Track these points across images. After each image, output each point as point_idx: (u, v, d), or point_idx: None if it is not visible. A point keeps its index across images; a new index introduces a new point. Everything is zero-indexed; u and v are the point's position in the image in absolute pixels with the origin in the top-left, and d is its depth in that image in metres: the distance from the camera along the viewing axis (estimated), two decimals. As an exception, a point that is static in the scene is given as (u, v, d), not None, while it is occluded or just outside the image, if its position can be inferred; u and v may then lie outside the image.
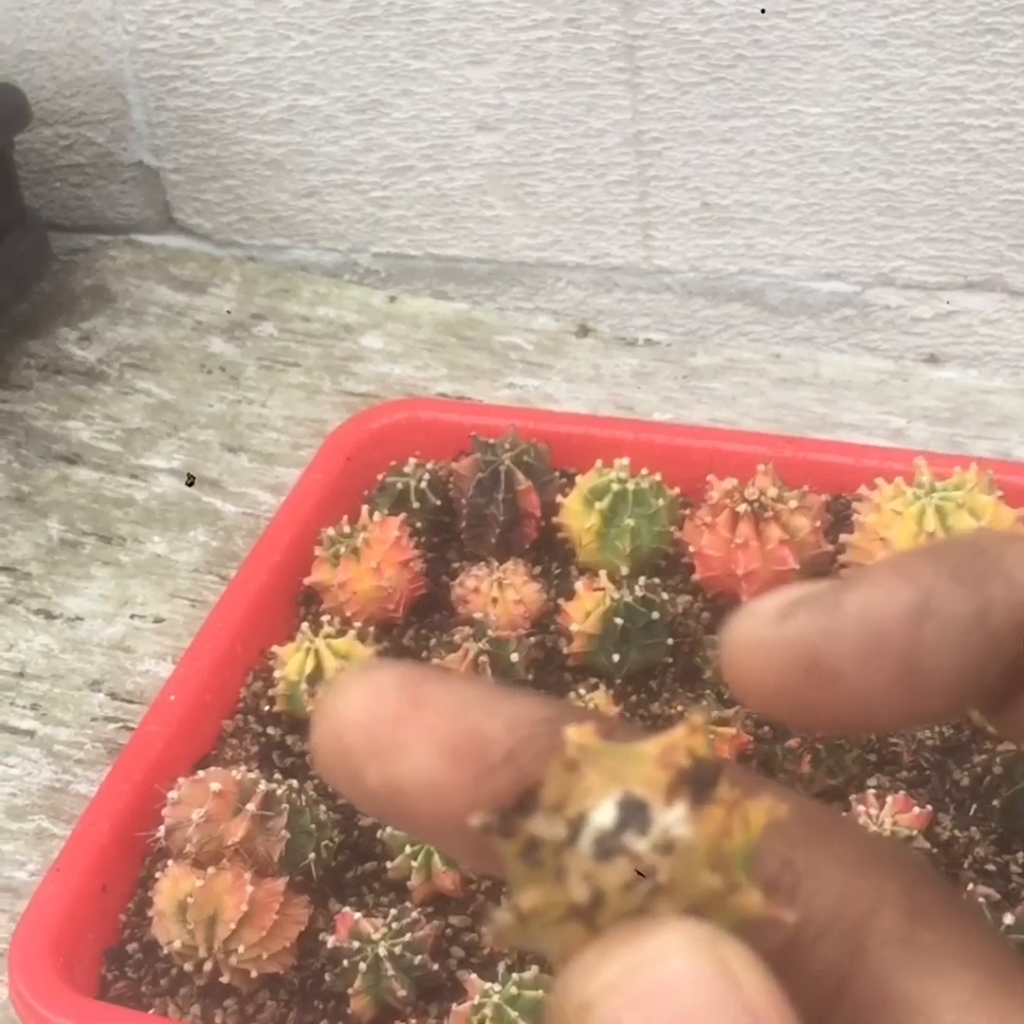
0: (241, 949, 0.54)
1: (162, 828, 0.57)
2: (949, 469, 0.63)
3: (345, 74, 0.86)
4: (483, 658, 0.61)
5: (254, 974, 0.55)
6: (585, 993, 0.17)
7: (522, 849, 0.18)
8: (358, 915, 0.55)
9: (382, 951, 0.53)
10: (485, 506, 0.69)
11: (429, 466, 0.72)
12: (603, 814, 0.18)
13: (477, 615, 0.65)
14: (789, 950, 0.18)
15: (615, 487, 0.66)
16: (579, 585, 0.65)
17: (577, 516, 0.67)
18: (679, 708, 0.61)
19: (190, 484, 0.79)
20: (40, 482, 0.81)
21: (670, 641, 0.64)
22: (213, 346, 0.89)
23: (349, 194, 0.90)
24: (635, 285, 0.87)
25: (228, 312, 0.90)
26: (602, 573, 0.65)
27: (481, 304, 0.90)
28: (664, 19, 0.78)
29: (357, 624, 0.65)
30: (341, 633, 0.64)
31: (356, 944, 0.54)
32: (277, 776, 0.59)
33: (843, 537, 0.65)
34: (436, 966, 0.55)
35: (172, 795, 0.57)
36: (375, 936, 0.54)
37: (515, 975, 0.52)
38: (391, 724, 0.20)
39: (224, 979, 0.55)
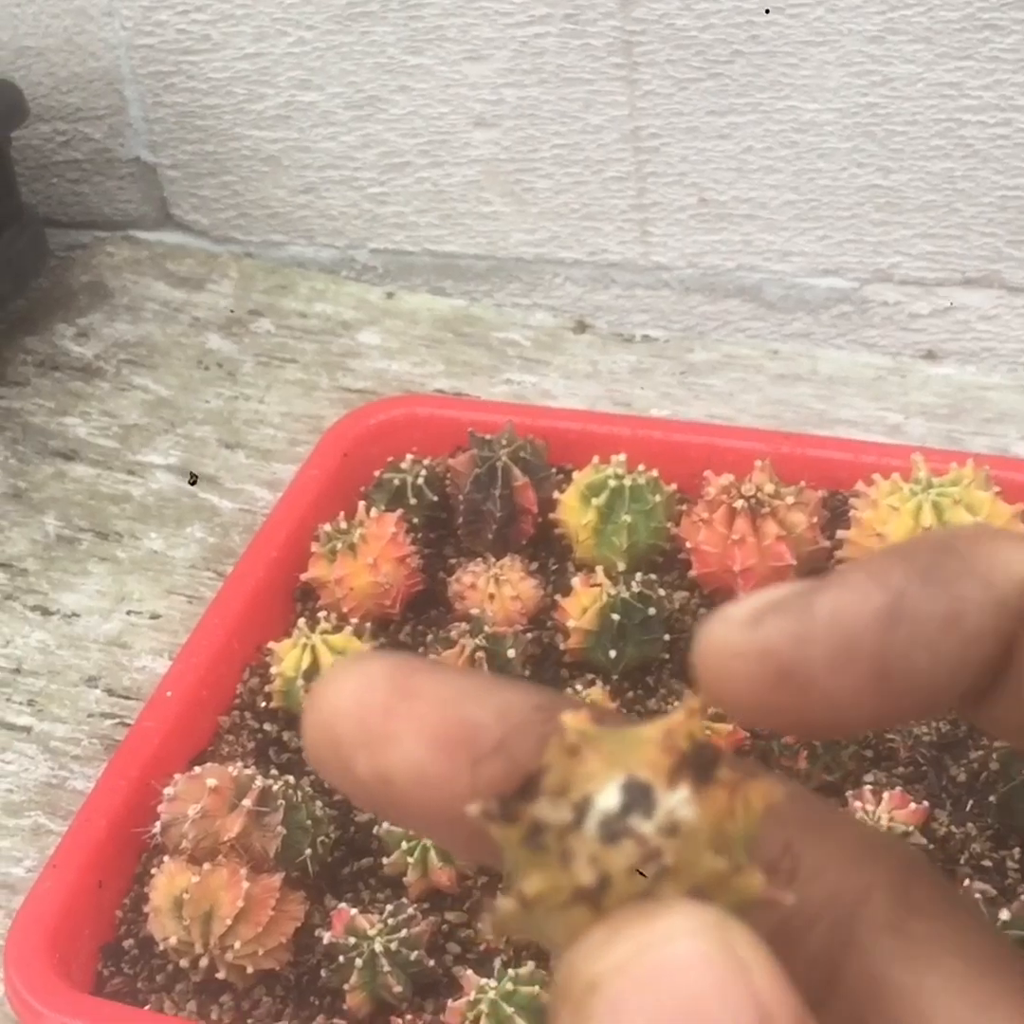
0: (237, 945, 0.54)
1: (158, 824, 0.57)
2: (946, 465, 0.63)
3: (342, 70, 0.85)
4: (480, 654, 0.61)
5: (250, 970, 0.55)
6: (592, 973, 0.17)
7: (525, 834, 0.18)
8: (354, 911, 0.55)
9: (378, 947, 0.53)
10: (482, 502, 0.69)
11: (426, 462, 0.72)
12: (607, 797, 0.18)
13: (474, 611, 0.65)
14: (780, 938, 0.18)
15: (612, 483, 0.66)
16: (576, 581, 0.65)
17: (574, 512, 0.67)
18: (674, 704, 0.61)
19: (193, 483, 0.79)
20: (37, 478, 0.81)
21: (667, 637, 0.64)
22: (210, 342, 0.89)
23: (346, 190, 0.89)
24: (633, 281, 0.87)
25: (231, 311, 0.90)
26: (599, 569, 0.65)
27: (479, 300, 0.90)
28: (662, 15, 0.78)
29: (354, 620, 0.65)
30: (338, 629, 0.64)
31: (352, 940, 0.54)
32: (273, 772, 0.59)
33: (840, 533, 0.65)
34: (432, 962, 0.55)
35: (168, 791, 0.57)
36: (371, 932, 0.54)
37: (511, 971, 0.52)
38: (381, 714, 0.20)
39: (220, 975, 0.55)
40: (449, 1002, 0.52)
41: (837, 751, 0.58)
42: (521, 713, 0.20)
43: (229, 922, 0.54)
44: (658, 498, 0.67)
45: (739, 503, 0.64)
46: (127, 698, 0.69)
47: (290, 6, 0.84)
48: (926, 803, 0.57)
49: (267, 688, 0.64)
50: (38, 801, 0.65)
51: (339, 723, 0.20)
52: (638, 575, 0.64)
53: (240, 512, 0.78)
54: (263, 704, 0.64)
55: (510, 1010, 0.50)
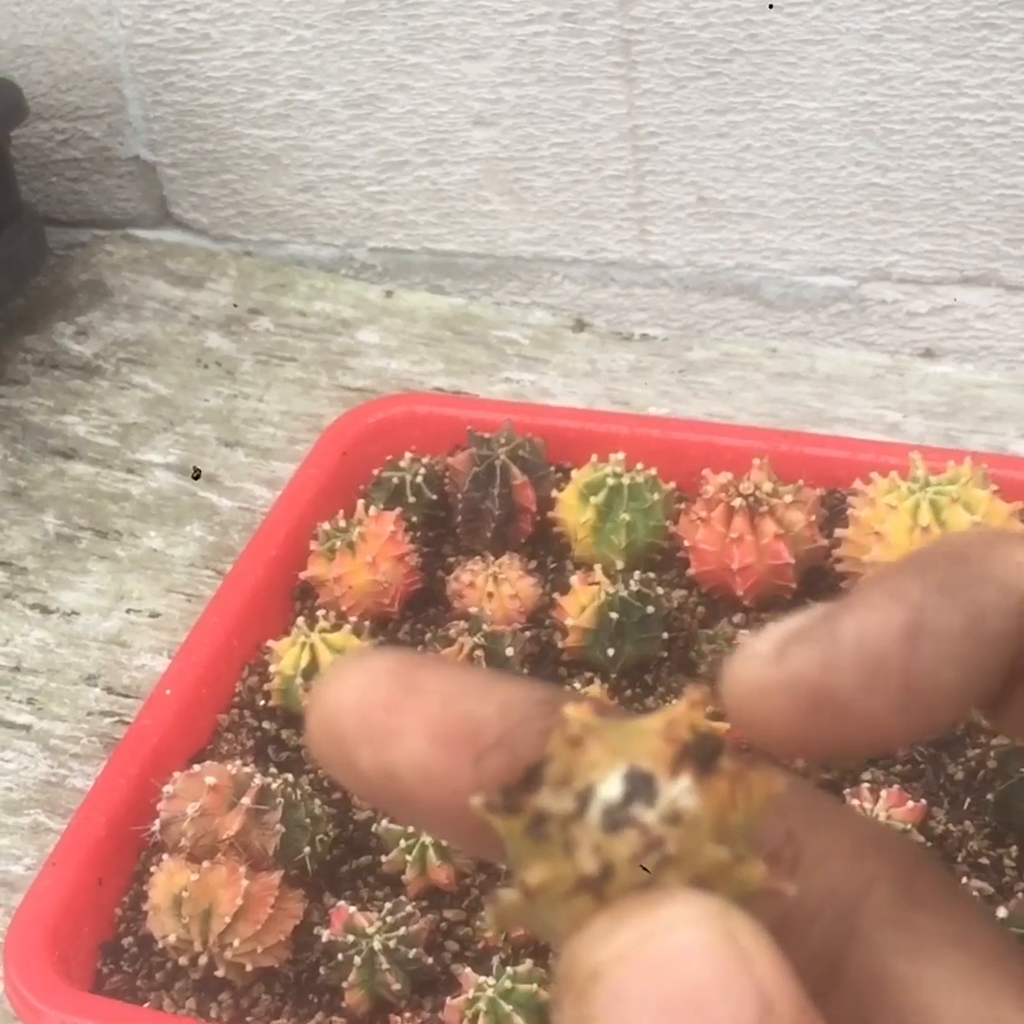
0: (236, 943, 0.54)
1: (157, 822, 0.57)
2: (944, 463, 0.63)
3: (341, 69, 0.85)
4: (478, 652, 0.61)
5: (249, 968, 0.55)
6: (595, 962, 0.17)
7: (528, 825, 0.18)
8: (353, 909, 0.55)
9: (377, 945, 0.53)
10: (481, 501, 0.69)
11: (425, 461, 0.72)
12: (610, 787, 0.18)
13: (472, 609, 0.65)
14: (782, 930, 0.18)
15: (610, 482, 0.66)
16: (574, 580, 0.65)
17: (572, 510, 0.67)
18: (673, 702, 0.61)
19: (196, 477, 0.79)
20: (36, 477, 0.81)
21: (665, 635, 0.64)
22: (209, 341, 0.89)
23: (345, 189, 0.90)
24: (631, 280, 0.87)
25: (234, 306, 0.90)
26: (597, 567, 0.65)
27: (477, 299, 0.90)
28: (660, 14, 0.78)
29: (352, 618, 0.65)
30: (336, 627, 0.64)
31: (351, 938, 0.54)
32: (272, 770, 0.59)
33: (838, 531, 0.65)
34: (430, 960, 0.55)
35: (167, 789, 0.57)
36: (370, 930, 0.54)
37: (509, 968, 0.52)
38: (385, 710, 0.20)
39: (219, 973, 0.55)
40: (447, 1000, 0.53)
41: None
42: (523, 708, 0.20)
43: (228, 920, 0.54)
44: (656, 496, 0.67)
45: (737, 501, 0.64)
46: (126, 696, 0.69)
47: (289, 5, 0.84)
48: (924, 801, 0.57)
49: (266, 686, 0.64)
50: (37, 799, 0.65)
51: (343, 719, 0.21)
52: (636, 573, 0.64)
53: (239, 510, 0.78)
54: (262, 702, 0.65)
55: (508, 1008, 0.50)
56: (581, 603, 0.64)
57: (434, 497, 0.71)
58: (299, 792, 0.57)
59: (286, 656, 0.63)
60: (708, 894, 0.18)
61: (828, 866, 0.20)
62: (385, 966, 0.53)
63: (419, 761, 0.20)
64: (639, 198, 0.84)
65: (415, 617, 0.68)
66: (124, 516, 0.78)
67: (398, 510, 0.69)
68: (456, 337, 0.87)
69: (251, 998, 0.55)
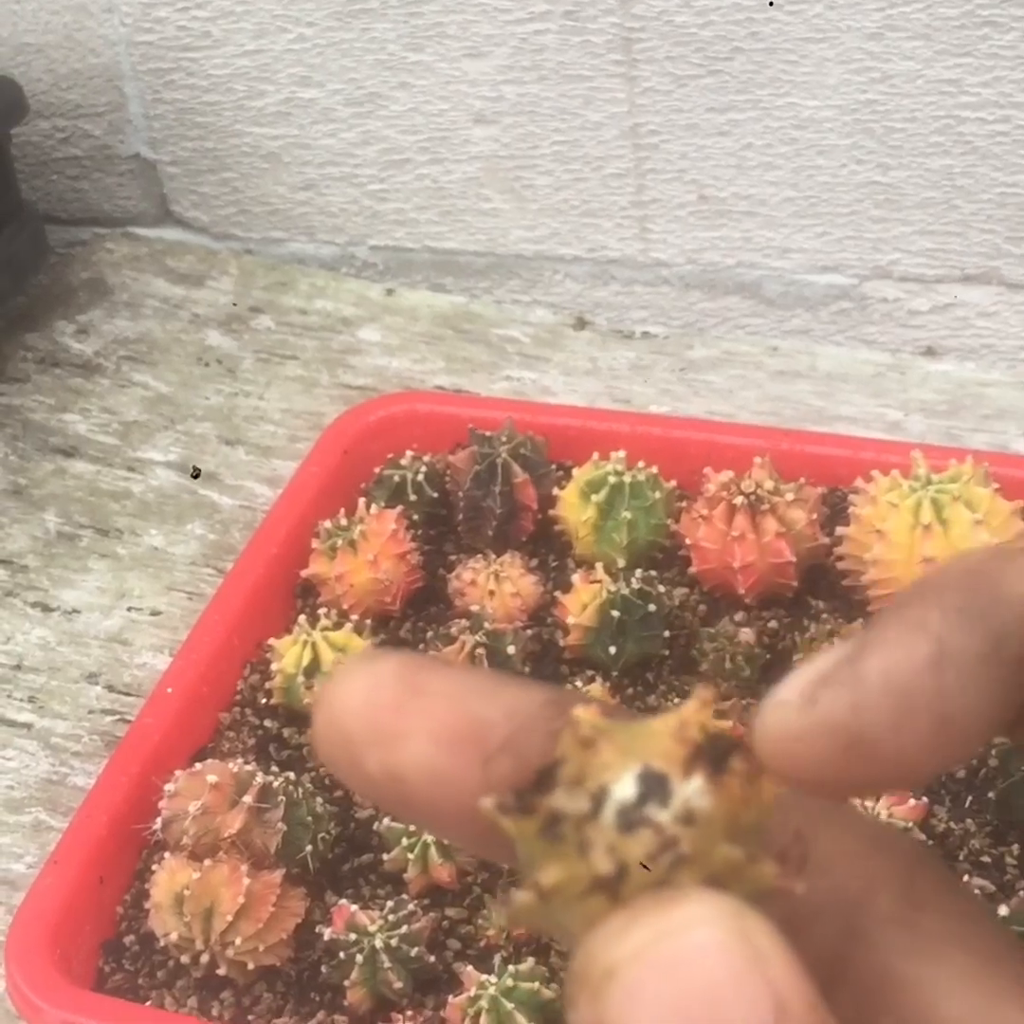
0: (238, 941, 0.54)
1: (159, 820, 0.57)
2: (946, 462, 0.63)
3: (342, 67, 0.85)
4: (480, 651, 0.61)
5: (251, 966, 0.55)
6: (610, 960, 0.17)
7: (542, 826, 0.18)
8: (354, 907, 0.55)
9: (378, 943, 0.53)
10: (482, 499, 0.69)
11: (426, 459, 0.72)
12: (624, 787, 0.18)
13: (474, 608, 0.65)
14: (787, 929, 0.18)
15: (612, 480, 0.66)
16: (576, 578, 0.65)
17: (574, 509, 0.67)
18: (674, 700, 0.61)
19: (196, 476, 0.79)
20: (37, 475, 0.81)
21: (667, 634, 0.64)
22: (210, 339, 0.89)
23: (346, 187, 0.89)
24: (632, 278, 0.87)
25: (235, 304, 0.90)
26: (599, 566, 0.65)
27: (478, 297, 0.90)
28: (661, 12, 0.78)
29: (354, 617, 0.65)
30: (338, 626, 0.64)
31: (352, 936, 0.54)
32: (274, 769, 0.59)
33: (839, 530, 0.65)
34: (432, 958, 0.55)
35: (169, 788, 0.57)
36: (371, 928, 0.54)
37: (511, 967, 0.52)
38: (391, 712, 0.20)
39: (221, 971, 0.55)
40: (449, 998, 0.53)
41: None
42: (529, 710, 0.20)
43: (230, 918, 0.54)
44: (658, 495, 0.67)
45: (739, 500, 0.64)
46: (128, 694, 0.69)
47: (290, 3, 0.84)
48: (925, 799, 0.57)
49: (267, 685, 0.64)
50: (39, 797, 0.65)
51: (349, 722, 0.21)
52: (638, 571, 0.64)
53: (240, 509, 0.78)
54: (263, 701, 0.65)
55: (510, 1006, 0.50)
56: (583, 601, 0.64)
57: (435, 495, 0.71)
58: (301, 790, 0.57)
59: (287, 654, 0.63)
60: (722, 893, 0.18)
61: (833, 866, 0.20)
62: (387, 964, 0.53)
63: (426, 763, 0.20)
64: (640, 196, 0.84)
65: (416, 615, 0.68)
66: (125, 514, 0.78)
67: (399, 508, 0.69)
68: (457, 335, 0.87)
69: (253, 996, 0.56)
